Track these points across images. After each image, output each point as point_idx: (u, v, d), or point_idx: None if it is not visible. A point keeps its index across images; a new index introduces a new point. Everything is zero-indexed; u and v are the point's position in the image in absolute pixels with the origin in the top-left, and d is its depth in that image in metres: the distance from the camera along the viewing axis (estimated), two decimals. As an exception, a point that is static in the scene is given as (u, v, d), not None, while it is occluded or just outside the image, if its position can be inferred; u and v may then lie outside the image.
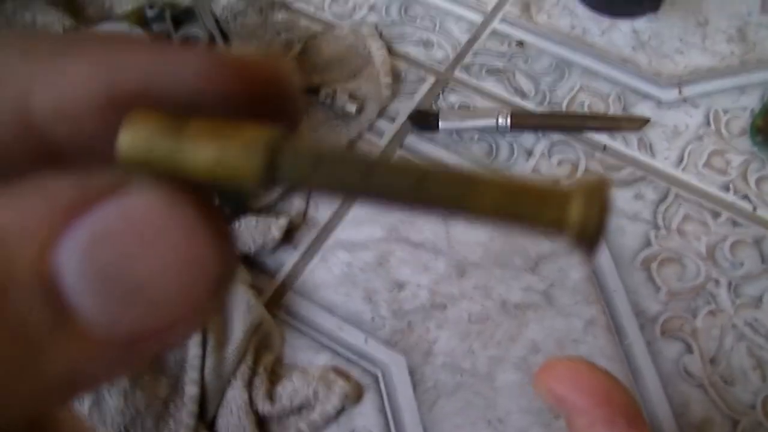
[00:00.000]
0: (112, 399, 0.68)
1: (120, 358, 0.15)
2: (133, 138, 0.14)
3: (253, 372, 0.73)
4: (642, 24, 0.96)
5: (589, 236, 0.15)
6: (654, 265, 0.79)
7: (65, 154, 0.16)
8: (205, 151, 0.14)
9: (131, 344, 0.14)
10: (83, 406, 0.68)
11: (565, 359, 0.33)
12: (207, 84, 0.16)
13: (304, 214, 0.83)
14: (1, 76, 0.16)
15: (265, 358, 0.74)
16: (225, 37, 0.76)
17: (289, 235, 0.81)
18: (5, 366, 0.13)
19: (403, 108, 0.91)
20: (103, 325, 0.14)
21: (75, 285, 0.13)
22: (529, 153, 0.86)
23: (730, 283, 0.77)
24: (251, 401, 0.72)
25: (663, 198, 0.83)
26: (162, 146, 0.14)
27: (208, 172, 0.14)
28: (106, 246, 0.14)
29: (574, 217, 0.15)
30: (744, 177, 0.84)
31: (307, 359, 0.76)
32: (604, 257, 0.79)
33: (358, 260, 0.80)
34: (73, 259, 0.13)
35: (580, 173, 0.85)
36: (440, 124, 0.87)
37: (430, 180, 0.15)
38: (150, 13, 0.79)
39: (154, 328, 0.14)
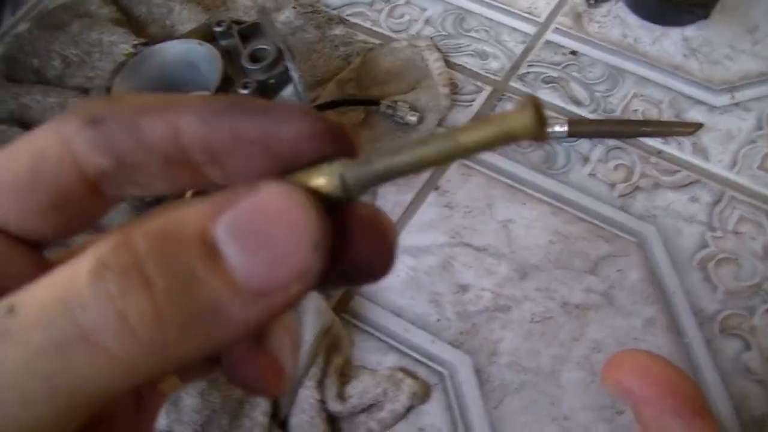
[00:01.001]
0: (190, 398, 0.71)
1: (253, 306, 0.19)
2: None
3: (324, 373, 0.76)
4: (692, 31, 0.98)
5: (541, 125, 0.20)
6: (711, 266, 0.81)
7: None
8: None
9: (260, 294, 0.19)
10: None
11: (632, 352, 0.35)
12: (314, 145, 0.21)
13: (369, 221, 0.86)
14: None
15: (335, 360, 0.77)
16: (290, 51, 0.79)
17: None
18: (177, 289, 0.18)
19: (462, 117, 0.93)
20: (241, 272, 0.19)
21: (224, 242, 0.19)
22: (586, 159, 0.89)
23: (787, 282, 0.79)
24: (323, 401, 0.74)
25: (718, 200, 0.85)
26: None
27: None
28: (245, 219, 0.19)
29: (528, 118, 0.20)
30: (798, 178, 0.86)
31: (376, 360, 0.78)
32: (662, 258, 0.81)
33: (422, 265, 0.83)
34: (224, 227, 0.19)
35: (636, 177, 0.87)
36: (498, 132, 0.90)
37: (443, 148, 0.21)
38: (218, 29, 0.82)
39: (275, 280, 0.19)
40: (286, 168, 0.22)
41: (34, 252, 0.23)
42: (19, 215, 0.22)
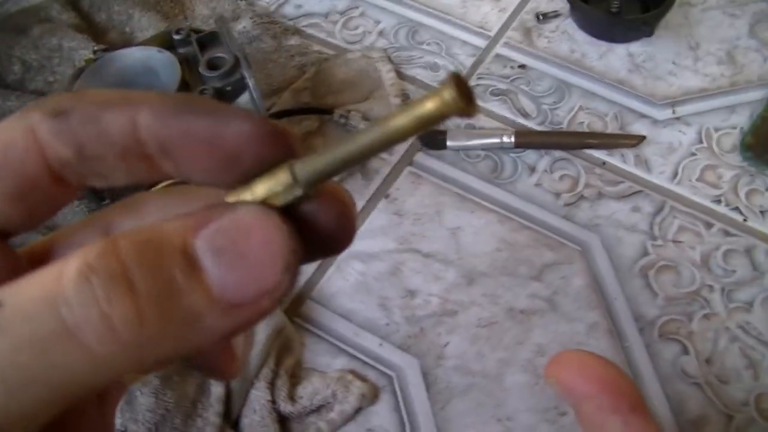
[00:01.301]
0: (144, 397, 0.72)
1: (226, 316, 0.21)
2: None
3: (275, 374, 0.77)
4: (637, 48, 1.02)
5: (465, 99, 0.21)
6: (651, 273, 0.83)
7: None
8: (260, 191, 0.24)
9: (234, 307, 0.21)
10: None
11: (573, 351, 0.36)
12: (257, 146, 0.23)
13: (321, 227, 0.87)
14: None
15: (286, 362, 0.78)
16: (247, 60, 0.80)
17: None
18: (159, 295, 0.20)
19: (413, 127, 0.95)
20: (217, 285, 0.21)
21: (203, 255, 0.21)
22: (533, 169, 0.91)
23: (723, 289, 0.82)
24: (273, 401, 0.76)
25: (659, 210, 0.88)
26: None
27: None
28: (223, 236, 0.21)
29: (454, 93, 0.21)
30: (735, 190, 0.88)
31: (326, 363, 0.80)
32: (604, 266, 0.84)
33: (372, 270, 0.85)
34: (203, 241, 0.21)
35: (580, 188, 0.89)
36: (448, 142, 0.92)
37: (381, 133, 0.22)
38: (177, 37, 0.83)
39: (248, 295, 0.21)
40: (237, 168, 0.23)
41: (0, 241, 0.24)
42: None
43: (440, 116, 0.22)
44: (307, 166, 0.23)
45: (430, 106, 0.21)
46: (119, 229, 0.25)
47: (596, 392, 0.35)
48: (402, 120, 0.22)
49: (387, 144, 0.23)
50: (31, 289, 0.19)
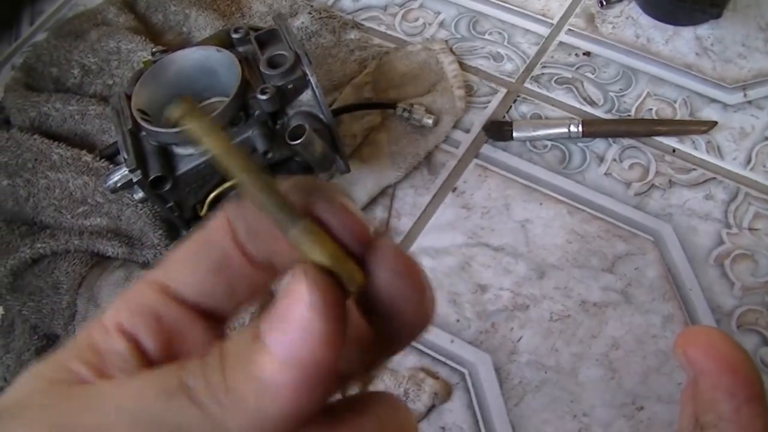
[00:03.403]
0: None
1: (297, 383, 0.25)
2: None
3: (346, 374, 0.76)
4: (704, 30, 0.99)
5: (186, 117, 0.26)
6: (727, 262, 0.81)
7: None
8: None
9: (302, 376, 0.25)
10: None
11: (705, 328, 0.36)
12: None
13: (387, 223, 0.87)
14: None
15: (357, 361, 0.78)
16: (307, 56, 0.79)
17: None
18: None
19: (477, 119, 0.94)
20: (279, 355, 0.24)
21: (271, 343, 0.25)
22: (601, 159, 0.89)
23: (803, 277, 0.80)
24: (345, 401, 0.75)
25: (733, 197, 0.85)
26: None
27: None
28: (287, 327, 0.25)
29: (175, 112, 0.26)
30: (812, 175, 0.86)
31: (396, 361, 0.79)
32: (678, 256, 0.82)
33: (441, 265, 0.84)
34: (275, 341, 0.25)
35: (651, 176, 0.87)
36: (514, 133, 0.90)
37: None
38: (235, 35, 0.83)
39: (311, 365, 0.24)
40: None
41: (214, 325, 0.29)
42: (190, 280, 0.29)
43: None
44: None
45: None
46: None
47: (716, 371, 0.34)
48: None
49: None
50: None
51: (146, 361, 0.27)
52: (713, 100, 0.93)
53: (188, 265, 0.29)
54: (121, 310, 0.28)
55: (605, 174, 0.89)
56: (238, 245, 0.28)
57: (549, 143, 0.91)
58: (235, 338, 0.26)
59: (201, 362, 0.25)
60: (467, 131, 0.93)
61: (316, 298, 0.25)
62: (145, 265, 0.87)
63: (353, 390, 0.30)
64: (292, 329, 0.25)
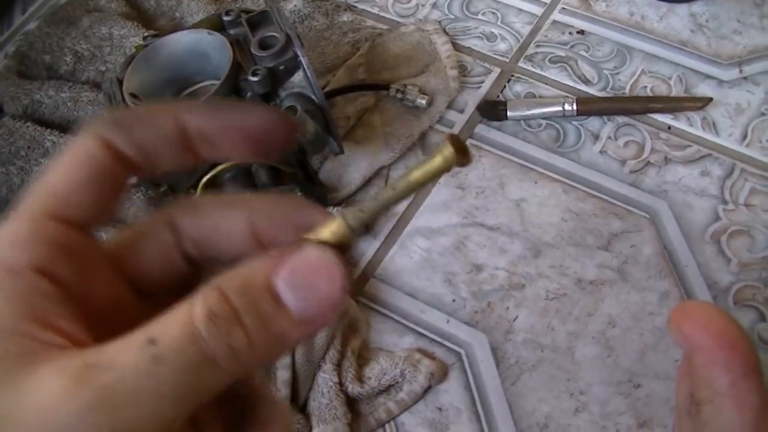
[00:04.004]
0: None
1: (303, 330, 0.28)
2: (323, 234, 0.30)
3: (342, 355, 0.76)
4: (699, 7, 0.99)
5: (463, 152, 0.29)
6: (724, 238, 0.81)
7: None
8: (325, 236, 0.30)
9: (307, 323, 0.28)
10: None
11: (700, 303, 0.36)
12: (272, 128, 0.32)
13: (382, 204, 0.86)
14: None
15: (353, 342, 0.77)
16: (299, 38, 0.79)
17: (368, 226, 0.85)
18: (259, 325, 0.27)
19: (471, 100, 0.94)
20: (296, 311, 0.28)
21: (284, 292, 0.28)
22: (596, 136, 0.89)
23: (800, 252, 0.79)
24: (341, 383, 0.75)
25: (729, 173, 0.85)
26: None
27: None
28: (297, 275, 0.28)
29: (451, 149, 0.29)
30: (808, 149, 0.86)
31: (392, 342, 0.79)
32: (674, 233, 0.82)
33: (436, 246, 0.83)
34: (283, 281, 0.28)
35: (646, 153, 0.87)
36: (508, 113, 0.90)
37: (403, 187, 0.30)
38: (226, 18, 0.82)
39: (319, 314, 0.28)
40: (260, 147, 0.32)
41: (87, 235, 0.31)
42: (72, 192, 0.30)
43: (444, 169, 0.29)
44: (356, 215, 0.30)
45: (436, 162, 0.29)
46: (183, 226, 0.32)
47: (712, 346, 0.34)
48: (418, 175, 0.29)
49: (409, 192, 0.30)
50: (173, 328, 0.26)
51: (68, 294, 0.28)
52: (708, 77, 0.93)
53: (79, 190, 0.30)
54: (34, 250, 0.29)
55: (600, 152, 0.88)
56: (120, 165, 0.31)
57: (543, 122, 0.91)
58: (250, 294, 0.28)
59: (215, 324, 0.27)
60: (461, 111, 0.93)
61: (345, 279, 0.28)
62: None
63: None
64: (317, 301, 0.28)
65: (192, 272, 0.33)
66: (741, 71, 0.92)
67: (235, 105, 0.32)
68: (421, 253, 0.83)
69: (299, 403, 0.75)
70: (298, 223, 0.31)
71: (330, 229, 0.30)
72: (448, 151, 0.29)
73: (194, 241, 0.32)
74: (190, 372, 0.26)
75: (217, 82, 0.78)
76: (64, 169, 0.30)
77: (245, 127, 0.32)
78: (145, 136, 0.31)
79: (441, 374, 0.76)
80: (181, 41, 0.83)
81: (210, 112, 0.31)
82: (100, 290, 0.31)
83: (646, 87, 0.93)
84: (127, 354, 0.26)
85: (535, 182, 0.86)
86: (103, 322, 0.30)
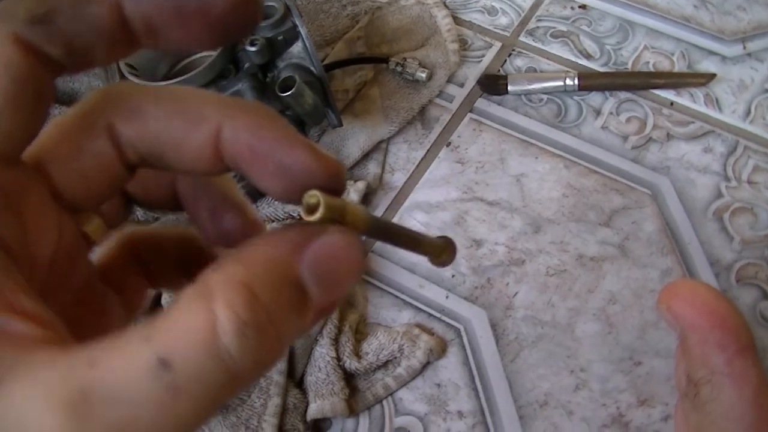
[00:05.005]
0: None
1: (319, 316, 0.27)
2: (326, 208, 0.26)
3: (339, 330, 0.75)
4: (703, -17, 0.98)
5: (448, 263, 0.34)
6: (726, 216, 0.80)
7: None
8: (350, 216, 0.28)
9: (320, 313, 0.27)
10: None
11: (689, 281, 0.35)
12: (232, 11, 0.26)
13: (381, 178, 0.85)
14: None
15: (350, 317, 0.77)
16: (297, 8, 0.78)
17: (367, 199, 0.84)
18: (289, 326, 0.24)
19: (471, 74, 0.93)
20: (317, 301, 0.25)
21: (309, 283, 0.25)
22: (598, 112, 0.88)
23: (803, 230, 0.78)
24: (338, 358, 0.74)
25: (732, 150, 0.84)
26: (336, 211, 0.26)
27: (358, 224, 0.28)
28: (322, 263, 0.25)
29: (444, 257, 0.34)
30: (812, 126, 0.85)
31: (391, 317, 0.78)
32: (676, 209, 0.81)
33: (435, 220, 0.82)
34: (308, 272, 0.25)
35: (648, 129, 0.86)
36: (509, 87, 0.89)
37: (415, 241, 0.33)
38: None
39: (335, 299, 0.26)
40: (217, 34, 0.26)
41: (15, 165, 0.25)
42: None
43: (433, 255, 0.34)
44: (371, 215, 0.29)
45: (433, 248, 0.34)
46: (124, 137, 0.27)
47: (705, 325, 0.34)
48: (426, 242, 0.33)
49: (414, 248, 0.33)
50: (190, 348, 0.21)
51: (12, 254, 0.23)
52: (712, 53, 0.92)
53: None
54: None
55: (602, 127, 0.87)
56: (41, 67, 0.25)
57: (545, 97, 0.90)
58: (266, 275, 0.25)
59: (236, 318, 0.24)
60: (461, 85, 0.92)
61: (362, 268, 0.28)
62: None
63: None
64: (338, 292, 0.26)
65: (131, 175, 0.28)
66: (745, 47, 0.91)
67: None
68: (420, 228, 0.82)
69: (296, 377, 0.74)
70: (282, 160, 0.26)
71: (354, 211, 0.27)
72: (447, 255, 0.34)
73: (137, 152, 0.27)
74: (213, 398, 0.22)
75: (215, 53, 0.77)
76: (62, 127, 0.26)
77: (198, 8, 0.25)
78: (73, 29, 0.24)
79: (440, 350, 0.75)
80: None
81: None
82: (44, 238, 0.25)
83: (648, 62, 0.92)
84: (133, 377, 0.20)
85: (536, 157, 0.85)
86: (54, 280, 0.26)
